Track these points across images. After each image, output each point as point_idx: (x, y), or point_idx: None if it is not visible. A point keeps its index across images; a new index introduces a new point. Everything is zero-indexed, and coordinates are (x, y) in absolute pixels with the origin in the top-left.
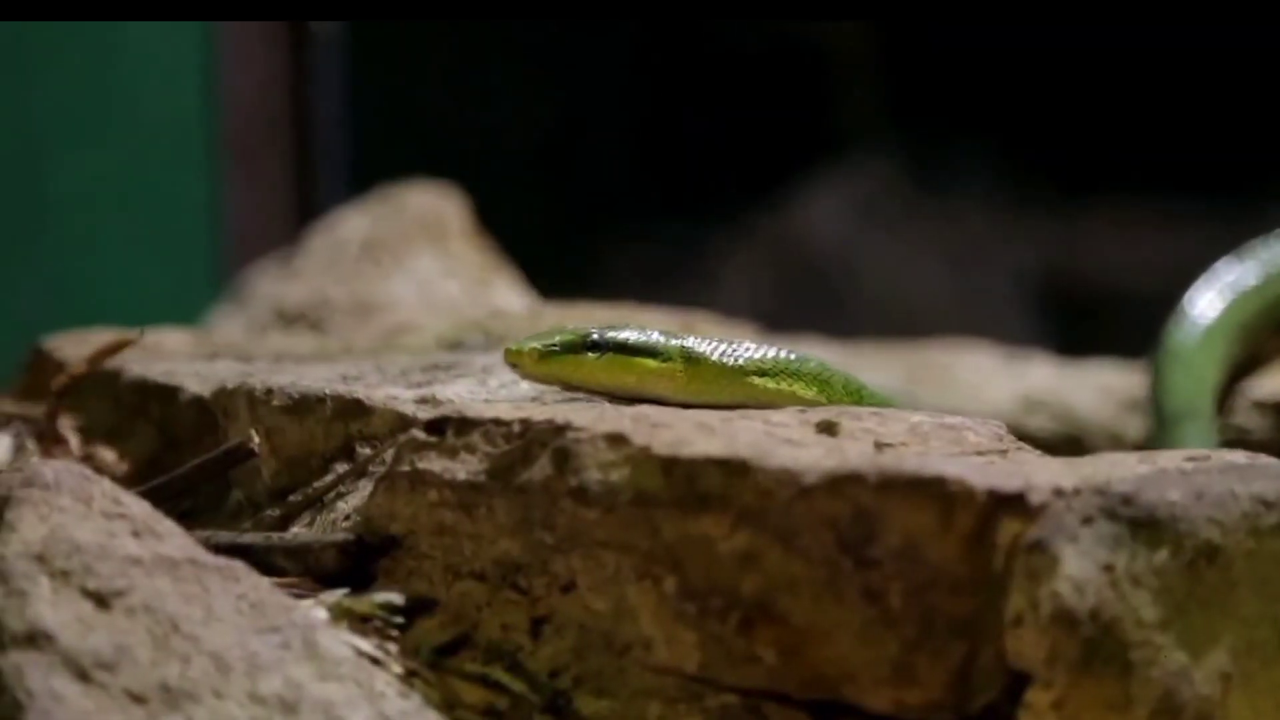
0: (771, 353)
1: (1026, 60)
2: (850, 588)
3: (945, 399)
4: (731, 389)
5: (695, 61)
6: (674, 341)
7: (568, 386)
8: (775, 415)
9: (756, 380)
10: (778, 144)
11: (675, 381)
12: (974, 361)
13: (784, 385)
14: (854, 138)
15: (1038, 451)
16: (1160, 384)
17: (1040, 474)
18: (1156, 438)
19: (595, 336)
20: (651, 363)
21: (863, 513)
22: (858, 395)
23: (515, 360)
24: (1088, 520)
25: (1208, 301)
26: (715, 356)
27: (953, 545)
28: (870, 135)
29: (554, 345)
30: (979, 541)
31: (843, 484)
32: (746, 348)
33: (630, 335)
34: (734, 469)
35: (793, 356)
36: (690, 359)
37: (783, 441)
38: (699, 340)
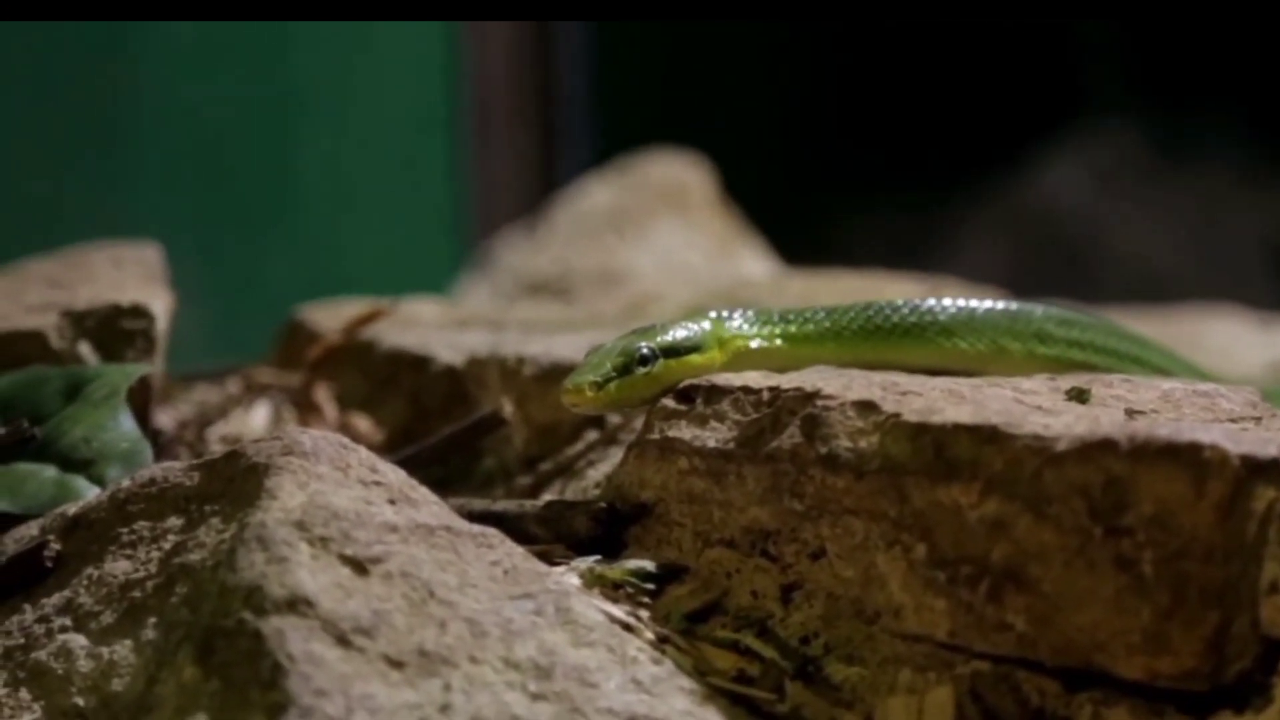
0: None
1: (1270, 22)
2: (1102, 556)
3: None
4: (764, 360)
5: (938, 30)
6: (703, 328)
7: (630, 405)
8: (1025, 383)
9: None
10: (1020, 111)
11: (715, 366)
12: (1224, 327)
13: (808, 350)
14: (1096, 104)
15: None
16: None
17: None
18: None
19: (643, 350)
20: (698, 358)
21: (1114, 480)
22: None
23: (575, 399)
24: None
25: None
26: (737, 330)
27: (1206, 513)
28: (1113, 101)
29: (609, 374)
30: (1232, 509)
31: (1094, 451)
32: (753, 315)
33: (669, 337)
34: (984, 436)
35: (817, 315)
36: (722, 342)
37: (1033, 409)
38: (716, 319)
